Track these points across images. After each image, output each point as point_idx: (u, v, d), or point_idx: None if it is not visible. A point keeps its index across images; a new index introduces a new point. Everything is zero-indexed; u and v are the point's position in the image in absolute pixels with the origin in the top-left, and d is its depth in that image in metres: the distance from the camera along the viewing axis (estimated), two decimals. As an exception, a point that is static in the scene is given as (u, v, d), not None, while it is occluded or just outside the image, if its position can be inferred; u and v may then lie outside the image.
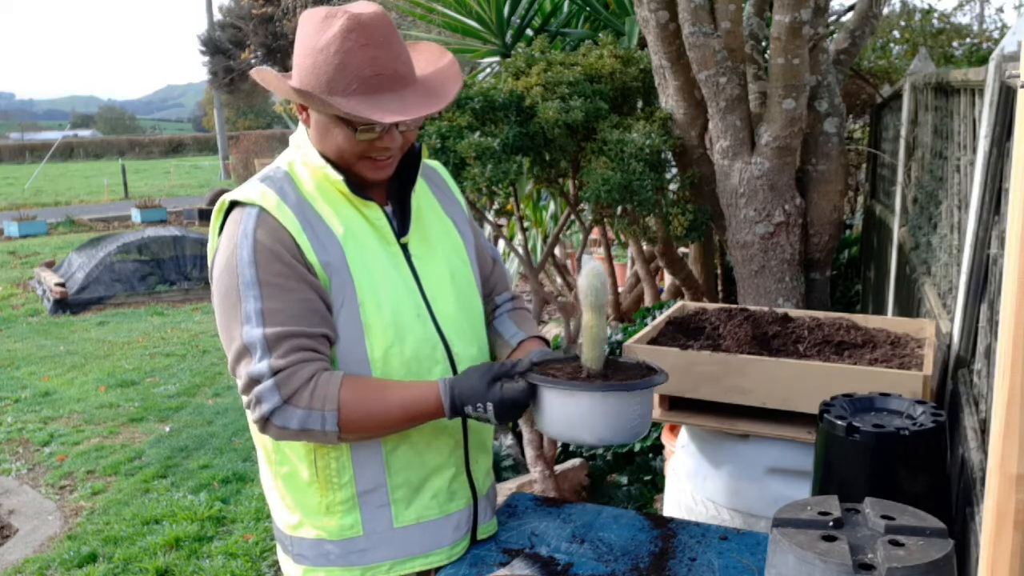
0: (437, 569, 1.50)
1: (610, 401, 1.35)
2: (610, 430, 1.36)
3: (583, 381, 1.37)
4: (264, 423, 1.32)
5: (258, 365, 1.30)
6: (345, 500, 1.42)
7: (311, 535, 1.45)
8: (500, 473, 3.72)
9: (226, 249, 1.36)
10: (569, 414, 1.36)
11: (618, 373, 1.42)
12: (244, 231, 1.34)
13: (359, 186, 1.43)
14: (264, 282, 1.32)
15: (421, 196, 1.55)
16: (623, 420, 1.37)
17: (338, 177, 1.40)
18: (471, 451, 1.53)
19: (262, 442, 1.47)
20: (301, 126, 1.47)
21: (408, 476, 1.45)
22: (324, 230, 1.38)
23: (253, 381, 1.31)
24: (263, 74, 1.39)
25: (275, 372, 1.29)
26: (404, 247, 1.47)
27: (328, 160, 1.42)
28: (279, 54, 22.11)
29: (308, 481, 1.43)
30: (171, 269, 9.38)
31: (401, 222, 1.49)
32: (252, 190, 1.39)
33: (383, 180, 1.45)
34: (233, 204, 1.40)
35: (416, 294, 1.45)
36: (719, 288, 4.31)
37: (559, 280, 4.91)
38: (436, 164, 1.68)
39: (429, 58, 1.47)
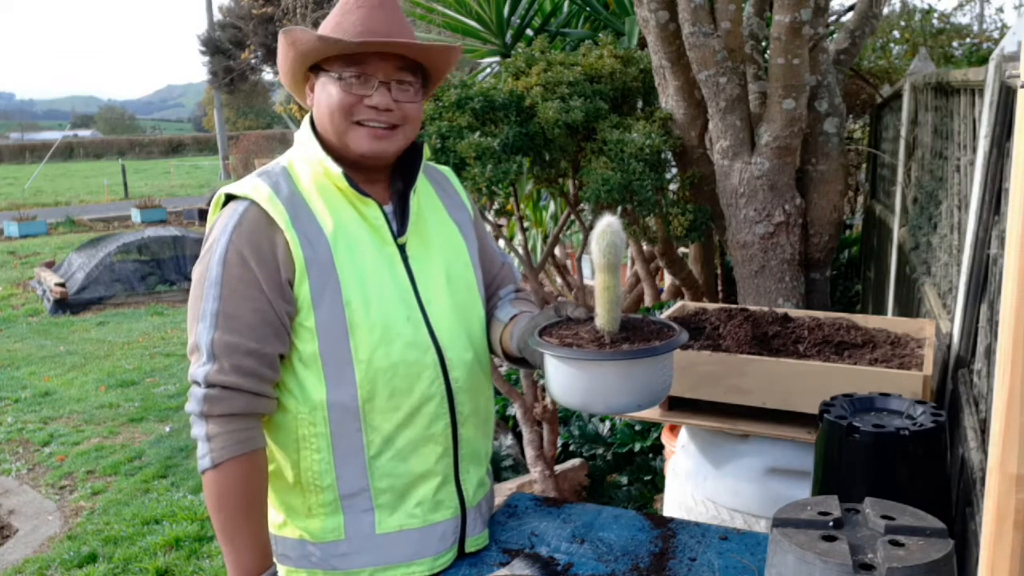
0: (440, 573, 1.49)
1: (638, 368, 1.26)
2: (641, 395, 1.29)
3: (605, 349, 1.27)
4: (190, 415, 1.36)
5: (200, 368, 1.32)
6: (328, 503, 1.41)
7: (294, 535, 1.44)
8: (500, 473, 3.72)
9: (209, 241, 1.38)
10: (595, 384, 1.27)
11: (635, 334, 1.32)
12: (225, 227, 1.36)
13: (359, 183, 1.43)
14: (226, 284, 1.33)
15: (424, 198, 1.54)
16: (651, 385, 1.29)
17: (337, 171, 1.39)
18: (461, 461, 1.49)
19: None
20: (305, 123, 1.47)
21: (392, 482, 1.42)
22: (313, 226, 1.38)
23: (193, 380, 1.34)
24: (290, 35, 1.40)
25: (209, 385, 1.31)
26: (402, 248, 1.45)
27: (329, 152, 1.42)
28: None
29: (291, 481, 1.42)
30: (171, 269, 9.39)
31: (401, 222, 1.47)
32: (246, 184, 1.41)
33: (381, 156, 1.42)
34: (229, 198, 1.41)
35: (410, 296, 1.43)
36: (719, 288, 4.32)
37: (559, 280, 4.91)
38: (446, 169, 1.68)
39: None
